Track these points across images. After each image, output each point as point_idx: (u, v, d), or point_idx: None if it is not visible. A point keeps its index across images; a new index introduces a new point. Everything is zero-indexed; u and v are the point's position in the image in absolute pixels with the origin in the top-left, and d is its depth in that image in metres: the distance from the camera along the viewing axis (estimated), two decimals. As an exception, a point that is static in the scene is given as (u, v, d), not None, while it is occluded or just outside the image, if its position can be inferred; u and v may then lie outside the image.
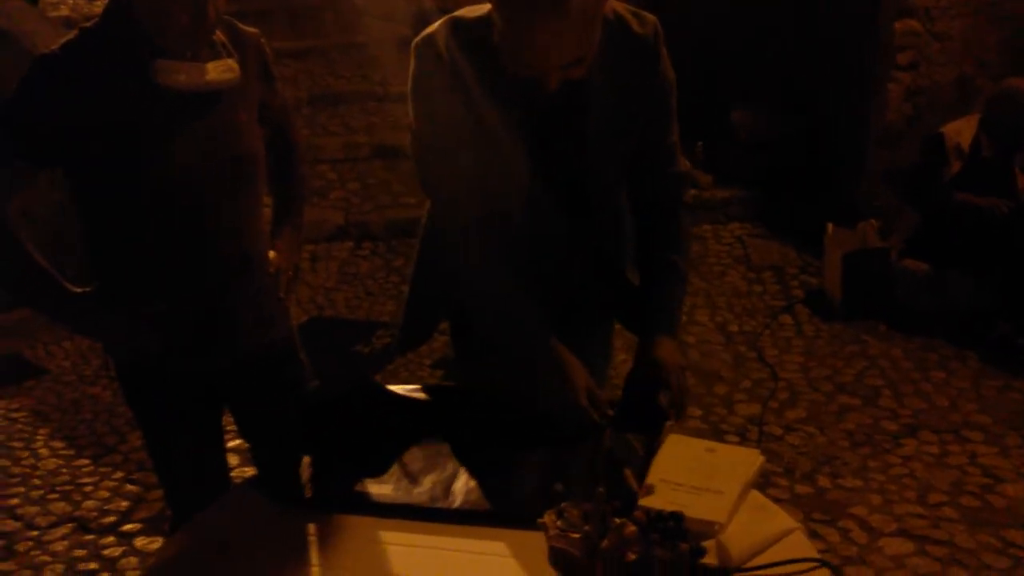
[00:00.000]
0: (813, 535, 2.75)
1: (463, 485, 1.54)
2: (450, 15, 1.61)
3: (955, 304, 4.02)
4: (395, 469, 1.60)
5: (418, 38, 1.59)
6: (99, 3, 5.93)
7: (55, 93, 1.61)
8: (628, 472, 1.52)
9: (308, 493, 1.58)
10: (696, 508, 1.39)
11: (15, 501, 3.09)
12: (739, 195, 5.36)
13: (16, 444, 3.44)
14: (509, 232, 1.67)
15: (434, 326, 1.95)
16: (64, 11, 6.27)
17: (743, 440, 3.29)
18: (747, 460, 1.55)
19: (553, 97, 1.49)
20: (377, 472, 1.59)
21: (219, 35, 1.73)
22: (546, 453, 1.59)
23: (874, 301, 4.17)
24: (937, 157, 4.13)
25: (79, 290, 1.73)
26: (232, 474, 2.79)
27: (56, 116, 1.61)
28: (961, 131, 4.14)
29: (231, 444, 2.37)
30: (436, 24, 1.60)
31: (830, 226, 4.39)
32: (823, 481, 3.06)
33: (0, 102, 1.64)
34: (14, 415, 3.66)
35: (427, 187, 1.74)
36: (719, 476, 1.48)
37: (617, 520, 1.21)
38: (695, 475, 1.48)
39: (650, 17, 1.63)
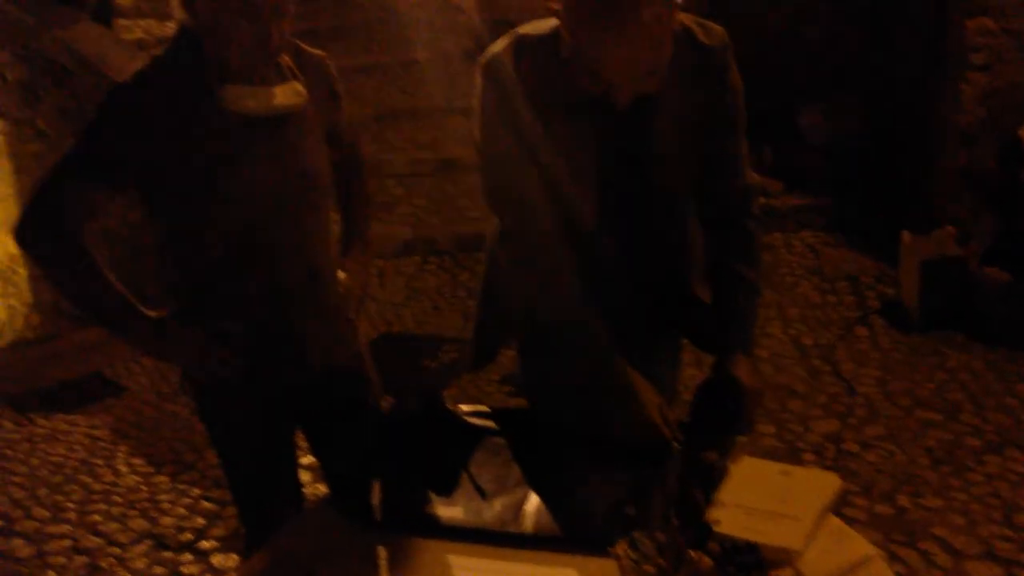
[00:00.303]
0: (893, 557, 2.67)
1: (534, 508, 1.53)
2: (514, 32, 1.60)
3: (1039, 313, 3.88)
4: (465, 491, 1.60)
5: (483, 57, 1.60)
6: (171, 25, 6.10)
7: (129, 122, 1.65)
8: (700, 496, 1.49)
9: (379, 514, 1.58)
10: (772, 535, 1.36)
11: (97, 518, 3.17)
12: (810, 202, 5.23)
13: (97, 461, 3.54)
14: (576, 248, 1.66)
15: (501, 345, 1.95)
16: (138, 33, 6.44)
17: (820, 458, 3.21)
18: (824, 483, 1.51)
19: (622, 111, 1.48)
20: (447, 493, 1.59)
21: (285, 58, 1.75)
22: (617, 474, 1.57)
23: (953, 311, 4.04)
24: (1014, 161, 4.00)
25: (154, 313, 1.77)
26: (305, 490, 2.83)
27: (130, 144, 1.66)
28: (1041, 133, 4.01)
29: (304, 461, 2.40)
30: (501, 42, 1.60)
31: (906, 234, 4.27)
32: (903, 501, 2.96)
33: (79, 129, 1.69)
34: (95, 432, 3.76)
35: (493, 205, 1.73)
36: (795, 500, 1.45)
37: (692, 553, 1.18)
38: (770, 499, 1.45)
39: (717, 28, 1.62)
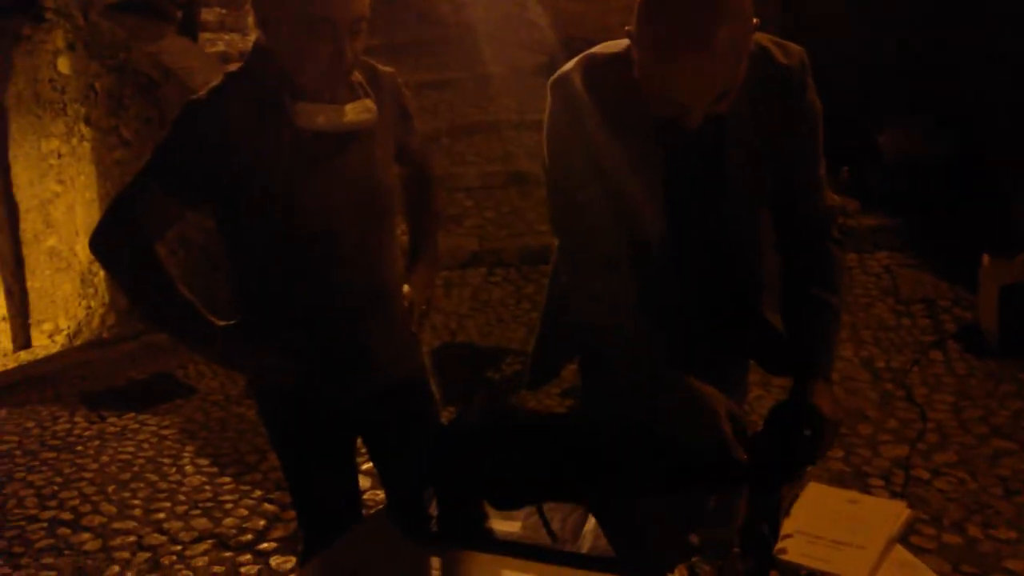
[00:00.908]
0: (963, 590, 2.58)
1: (593, 527, 1.51)
2: (586, 52, 1.59)
3: None
4: (526, 507, 1.58)
5: (554, 77, 1.59)
6: (253, 39, 6.24)
7: (202, 137, 1.68)
8: (765, 528, 1.45)
9: (435, 527, 1.58)
10: (835, 563, 1.33)
11: (161, 515, 3.24)
12: (887, 222, 5.11)
13: (165, 460, 3.62)
14: (641, 269, 1.63)
15: (563, 364, 1.93)
16: (221, 47, 6.63)
17: (888, 484, 3.12)
18: (892, 512, 1.47)
19: (694, 133, 1.46)
20: (507, 508, 1.57)
21: (357, 75, 1.77)
22: (683, 500, 1.53)
23: (1033, 338, 3.91)
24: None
25: (222, 323, 1.79)
26: (364, 496, 2.85)
27: (203, 159, 1.68)
28: None
29: (364, 467, 2.42)
30: (572, 62, 1.59)
31: (986, 257, 4.14)
32: (974, 531, 2.86)
33: (156, 143, 1.73)
34: (164, 432, 3.85)
35: (558, 225, 1.72)
36: (862, 529, 1.41)
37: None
38: (836, 528, 1.41)
39: (795, 48, 1.58)
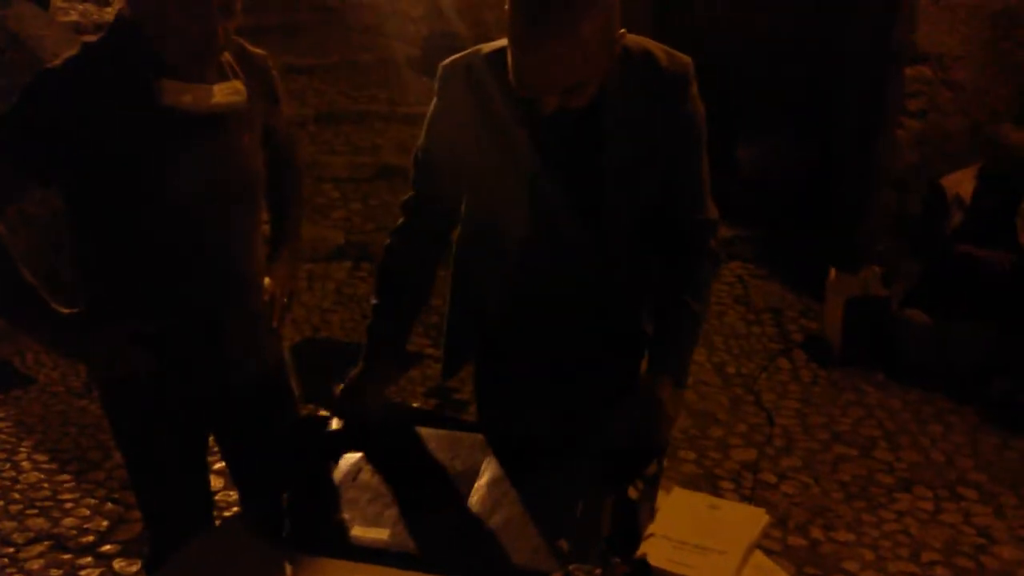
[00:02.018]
0: (805, 590, 2.70)
1: (468, 536, 1.48)
2: (477, 46, 1.63)
3: (955, 357, 3.98)
4: (389, 511, 1.53)
5: (445, 62, 1.63)
6: (109, 11, 5.93)
7: (55, 109, 1.57)
8: (630, 529, 1.46)
9: (289, 531, 1.52)
10: (701, 569, 1.36)
11: (-7, 514, 3.03)
12: (741, 233, 5.32)
13: (-2, 455, 3.39)
14: (514, 260, 1.65)
15: (472, 349, 1.88)
16: (74, 16, 6.25)
17: (738, 487, 3.24)
18: (752, 519, 1.51)
19: (565, 126, 1.50)
20: (369, 512, 1.53)
21: (227, 57, 1.70)
22: (553, 506, 1.52)
23: (873, 350, 4.14)
24: (937, 208, 4.13)
25: (65, 310, 1.68)
26: (216, 497, 2.74)
27: (54, 133, 1.58)
28: (961, 182, 4.15)
29: (216, 466, 2.32)
30: (462, 53, 1.63)
31: (832, 271, 4.36)
32: (816, 533, 3.01)
33: (1, 113, 1.60)
34: (-2, 424, 3.60)
35: (423, 197, 1.73)
36: (723, 535, 1.44)
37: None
38: (698, 533, 1.44)
39: (684, 58, 1.62)
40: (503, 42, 1.55)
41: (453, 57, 1.63)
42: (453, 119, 1.62)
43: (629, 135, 1.57)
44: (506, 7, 1.41)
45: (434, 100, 1.65)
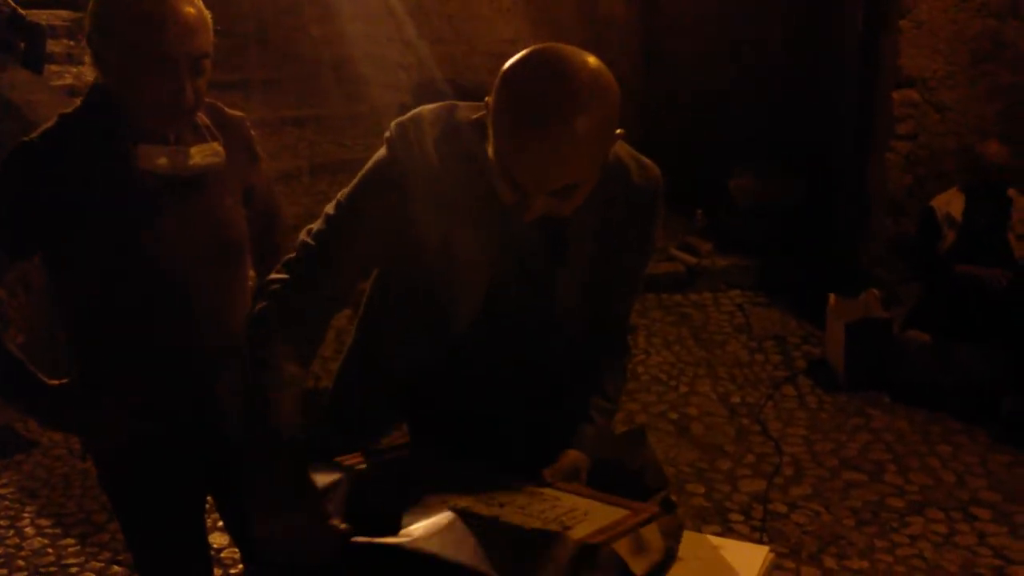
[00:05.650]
0: (821, 621, 2.66)
1: None
2: (448, 104, 1.46)
3: (960, 376, 3.96)
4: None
5: (405, 116, 1.44)
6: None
7: (32, 182, 1.58)
8: None
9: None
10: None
11: (-3, 583, 3.00)
12: (739, 263, 5.34)
13: (1, 522, 3.36)
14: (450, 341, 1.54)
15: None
16: (68, 80, 6.33)
17: (747, 519, 3.21)
18: (756, 556, 1.49)
19: (531, 229, 1.40)
20: None
21: (203, 118, 1.70)
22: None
23: (877, 372, 4.12)
24: (930, 230, 4.15)
25: (55, 382, 1.68)
26: (223, 554, 2.72)
27: (33, 206, 1.58)
28: (950, 201, 4.18)
29: (220, 523, 2.30)
30: (430, 108, 1.45)
31: (832, 296, 4.36)
32: (829, 562, 2.97)
33: None
34: (1, 491, 3.58)
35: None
36: (729, 575, 1.42)
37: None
38: (705, 574, 1.42)
39: (653, 169, 1.51)
40: (479, 110, 1.41)
41: (415, 112, 1.43)
42: (402, 185, 1.42)
43: (592, 243, 1.49)
44: (499, 89, 1.27)
45: (386, 152, 1.44)
